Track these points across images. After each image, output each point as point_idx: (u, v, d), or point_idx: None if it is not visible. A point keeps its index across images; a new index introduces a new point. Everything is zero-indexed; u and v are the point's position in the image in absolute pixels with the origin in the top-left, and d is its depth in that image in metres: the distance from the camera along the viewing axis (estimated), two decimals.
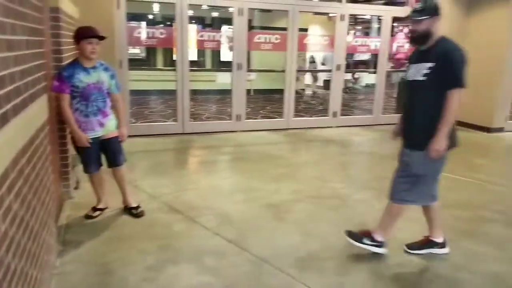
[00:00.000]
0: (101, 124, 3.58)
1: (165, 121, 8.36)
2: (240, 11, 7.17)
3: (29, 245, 2.08)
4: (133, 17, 11.56)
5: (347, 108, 10.46)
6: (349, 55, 11.66)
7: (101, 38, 3.46)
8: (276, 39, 7.74)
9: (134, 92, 8.51)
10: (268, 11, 10.81)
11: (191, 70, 7.26)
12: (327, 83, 10.32)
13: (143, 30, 7.40)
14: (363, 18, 16.25)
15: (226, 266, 3.00)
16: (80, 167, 4.32)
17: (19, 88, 1.99)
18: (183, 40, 6.94)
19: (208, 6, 9.75)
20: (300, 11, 7.70)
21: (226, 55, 11.33)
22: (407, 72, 3.08)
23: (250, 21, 8.29)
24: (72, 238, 3.36)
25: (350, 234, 3.24)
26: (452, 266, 3.09)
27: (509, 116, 8.40)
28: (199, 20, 13.37)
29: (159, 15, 13.36)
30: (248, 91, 9.08)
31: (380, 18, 8.64)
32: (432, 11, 2.86)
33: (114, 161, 3.73)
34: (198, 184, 4.76)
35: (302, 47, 8.12)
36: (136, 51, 12.86)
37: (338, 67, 8.15)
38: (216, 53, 13.44)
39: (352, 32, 12.83)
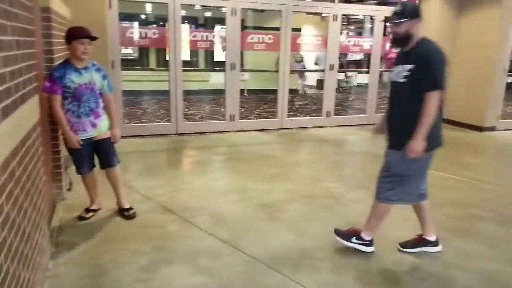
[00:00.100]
0: (93, 125, 3.56)
1: (159, 122, 8.33)
2: (233, 11, 7.17)
3: (21, 247, 2.06)
4: (126, 17, 11.52)
5: (341, 107, 10.49)
6: (342, 55, 11.71)
7: (93, 38, 3.44)
8: (269, 39, 7.75)
9: (127, 93, 8.48)
10: (261, 11, 10.80)
11: (184, 70, 7.25)
12: (320, 83, 10.35)
13: (135, 30, 7.37)
14: (356, 18, 16.33)
15: (220, 267, 2.99)
16: (72, 168, 4.29)
17: (10, 89, 1.97)
18: (176, 40, 6.92)
19: (201, 6, 9.73)
20: (293, 11, 7.71)
21: (219, 55, 11.33)
22: (392, 73, 3.11)
23: (243, 21, 8.29)
24: (65, 239, 3.34)
25: (339, 233, 3.28)
26: (445, 264, 3.10)
27: (501, 115, 8.48)
28: (192, 20, 13.34)
29: (152, 15, 13.32)
30: (242, 91, 9.08)
31: (372, 18, 8.68)
32: (412, 14, 2.89)
33: (107, 162, 3.71)
34: (192, 185, 4.75)
35: (295, 47, 8.13)
36: (129, 51, 12.80)
37: (331, 67, 8.17)
38: (209, 53, 13.43)
39: (345, 32, 12.88)
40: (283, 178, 5.06)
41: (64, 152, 4.11)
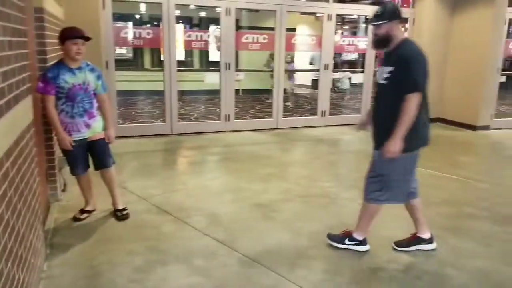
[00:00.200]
0: (87, 125, 3.54)
1: (154, 122, 8.31)
2: (227, 11, 7.16)
3: (16, 249, 2.05)
4: (120, 17, 11.47)
5: (336, 107, 10.52)
6: (337, 54, 11.73)
7: (87, 38, 3.43)
8: (264, 39, 7.75)
9: (121, 93, 8.46)
10: (256, 11, 10.81)
11: (179, 70, 7.24)
12: (315, 83, 10.37)
13: (129, 30, 7.35)
14: (350, 18, 16.37)
15: (216, 267, 2.99)
16: (67, 169, 4.27)
17: (3, 89, 1.96)
18: (171, 40, 6.91)
19: (196, 6, 9.71)
20: (288, 11, 7.71)
21: (214, 55, 11.31)
22: (377, 74, 3.13)
23: (237, 21, 8.29)
24: (59, 241, 3.32)
25: (331, 237, 3.30)
26: (439, 263, 3.11)
27: (494, 114, 8.53)
28: (187, 20, 13.32)
29: (146, 15, 13.28)
30: (237, 91, 9.07)
31: (367, 18, 8.70)
32: (391, 15, 2.91)
33: (102, 163, 3.69)
34: (187, 185, 4.74)
35: (290, 47, 8.14)
36: (123, 52, 12.75)
37: (326, 67, 8.19)
38: (204, 53, 13.41)
39: (339, 32, 12.90)
40: (278, 178, 5.06)
41: (58, 153, 4.10)
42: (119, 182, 4.18)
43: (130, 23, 10.26)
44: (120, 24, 9.69)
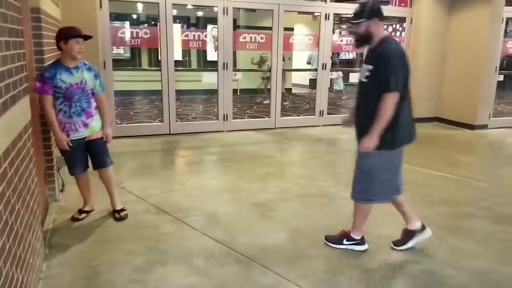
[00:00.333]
0: (85, 125, 3.53)
1: (151, 122, 8.30)
2: (224, 10, 7.16)
3: (15, 249, 2.05)
4: (117, 17, 11.46)
5: (334, 106, 10.53)
6: (335, 53, 11.73)
7: (87, 37, 3.45)
8: (262, 38, 7.75)
9: (119, 93, 8.45)
10: (253, 10, 10.80)
11: (177, 70, 7.23)
12: (313, 82, 10.36)
13: (127, 30, 7.34)
14: (348, 17, 16.37)
15: (215, 266, 2.99)
16: (65, 169, 4.26)
17: (0, 90, 1.96)
18: (168, 39, 6.90)
19: (193, 5, 9.70)
20: (285, 11, 7.71)
21: (212, 54, 11.31)
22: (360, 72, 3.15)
23: (235, 20, 8.29)
24: (58, 241, 3.31)
25: (329, 239, 3.31)
26: (438, 262, 3.11)
27: (492, 113, 8.53)
28: (184, 20, 13.30)
29: (143, 15, 13.26)
30: (235, 90, 9.07)
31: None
32: (370, 14, 2.91)
33: (100, 163, 3.68)
34: (185, 185, 4.74)
35: (287, 47, 8.14)
36: (120, 51, 12.73)
37: (324, 66, 8.19)
38: (201, 52, 13.40)
39: (337, 31, 12.89)
40: (276, 177, 5.06)
41: (56, 153, 4.09)
42: (117, 182, 4.18)
43: (127, 23, 10.24)
44: (117, 24, 9.68)
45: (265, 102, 11.24)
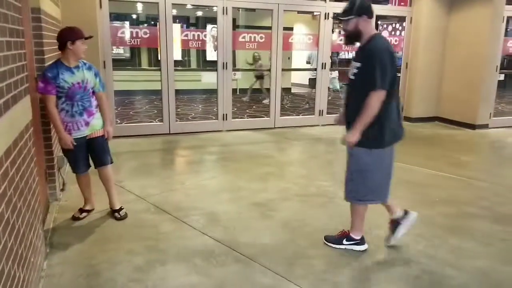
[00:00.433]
0: (87, 124, 3.56)
1: (151, 122, 8.31)
2: (224, 10, 7.17)
3: (16, 247, 2.06)
4: (116, 17, 11.46)
5: (334, 106, 10.52)
6: (334, 53, 11.73)
7: (89, 37, 3.52)
8: (261, 38, 7.76)
9: (118, 93, 8.46)
10: (253, 10, 10.81)
11: (176, 70, 7.24)
12: (312, 82, 10.36)
13: (126, 30, 7.34)
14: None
15: (215, 266, 3.00)
16: (65, 168, 4.28)
17: (2, 89, 1.97)
18: (168, 39, 6.91)
19: (192, 5, 9.71)
20: (285, 10, 7.72)
21: (211, 54, 11.31)
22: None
23: (234, 20, 8.29)
24: (59, 240, 3.33)
25: (329, 240, 3.32)
26: (439, 262, 3.11)
27: (493, 113, 8.51)
28: (183, 20, 13.31)
29: (143, 15, 13.27)
30: (234, 90, 9.08)
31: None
32: (359, 11, 2.92)
33: (100, 161, 3.70)
34: (185, 184, 4.75)
35: (287, 46, 8.15)
36: (120, 51, 12.74)
37: (324, 66, 8.20)
38: (201, 52, 13.41)
39: (337, 30, 12.88)
40: (276, 177, 5.07)
41: (57, 152, 4.10)
42: (117, 181, 4.19)
43: (127, 23, 10.25)
44: (117, 24, 9.68)
45: (244, 99, 11.29)
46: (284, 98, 11.30)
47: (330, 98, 8.66)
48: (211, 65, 8.88)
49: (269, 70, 7.95)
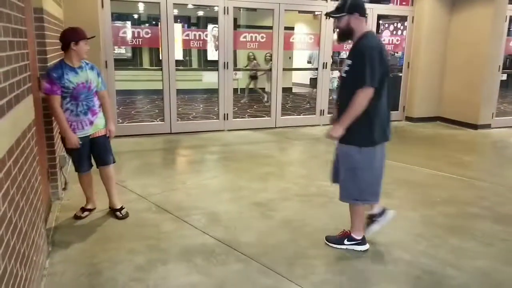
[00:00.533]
0: (91, 123, 3.58)
1: (153, 121, 8.33)
2: (225, 9, 7.18)
3: (19, 246, 2.07)
4: (118, 17, 11.47)
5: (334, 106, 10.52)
6: (335, 53, 11.72)
7: (92, 38, 3.58)
8: (262, 38, 7.77)
9: (120, 92, 8.47)
10: (254, 9, 10.82)
11: (177, 70, 7.25)
12: (313, 81, 10.37)
13: (128, 30, 7.36)
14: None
15: (215, 265, 3.01)
16: (67, 168, 4.30)
17: (5, 89, 1.99)
18: (169, 39, 6.93)
19: (193, 5, 9.73)
20: (286, 10, 7.72)
21: (212, 54, 11.32)
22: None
23: (235, 20, 8.30)
24: (61, 238, 3.34)
25: (330, 240, 3.32)
26: (440, 263, 3.11)
27: (495, 113, 8.48)
28: (185, 19, 13.33)
29: (144, 15, 13.29)
30: (235, 90, 9.08)
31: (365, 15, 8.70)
32: (350, 8, 2.93)
33: (103, 160, 3.72)
34: (186, 184, 4.76)
35: (288, 46, 8.15)
36: (122, 51, 12.76)
37: (325, 65, 8.21)
38: (202, 52, 13.42)
39: (337, 30, 12.86)
40: (276, 177, 5.08)
41: (59, 151, 4.12)
42: (118, 181, 4.20)
43: (129, 23, 10.26)
44: (118, 23, 9.69)
45: (242, 101, 11.28)
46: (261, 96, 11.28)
47: (331, 98, 8.64)
48: (212, 65, 8.90)
49: (270, 70, 7.95)
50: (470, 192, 4.71)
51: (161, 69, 7.05)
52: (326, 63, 8.21)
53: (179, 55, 10.23)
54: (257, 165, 5.50)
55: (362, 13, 2.96)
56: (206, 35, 8.24)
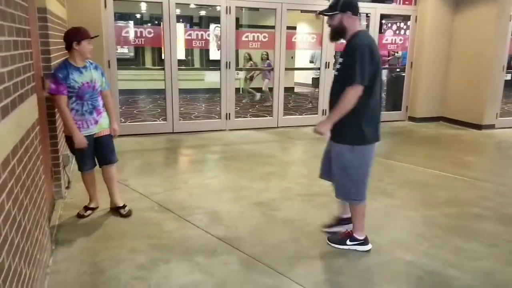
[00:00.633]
0: (96, 122, 3.61)
1: (155, 121, 8.35)
2: (227, 9, 7.19)
3: (22, 244, 2.09)
4: (121, 16, 11.50)
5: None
6: (338, 52, 11.70)
7: (95, 37, 3.58)
8: (264, 37, 7.77)
9: (123, 92, 8.49)
10: (256, 9, 10.82)
11: (180, 69, 7.26)
12: (316, 81, 10.38)
13: (131, 30, 7.38)
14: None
15: (217, 264, 3.02)
16: (70, 167, 4.32)
17: (9, 88, 2.00)
18: (171, 39, 6.94)
19: (196, 5, 9.73)
20: (288, 9, 7.73)
21: (215, 53, 11.32)
22: None
23: (238, 19, 8.31)
24: (64, 237, 3.36)
25: (332, 240, 3.32)
26: (442, 263, 3.10)
27: (499, 113, 8.42)
28: (187, 19, 13.35)
29: (147, 15, 13.32)
30: (237, 89, 9.09)
31: (368, 15, 8.71)
32: (343, 7, 2.94)
33: (106, 159, 3.74)
34: (188, 183, 4.77)
35: (290, 45, 8.16)
36: (124, 51, 12.79)
37: (327, 65, 8.20)
38: (204, 52, 13.43)
39: None
40: (278, 176, 5.09)
41: (62, 150, 4.14)
42: (121, 180, 4.22)
43: (131, 23, 10.28)
44: (121, 23, 9.72)
45: (244, 101, 11.29)
46: (266, 98, 11.25)
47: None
48: (214, 65, 8.90)
49: (272, 69, 7.95)
50: (473, 192, 4.69)
51: (164, 69, 7.07)
52: (329, 62, 8.21)
53: (181, 54, 10.22)
54: (259, 165, 5.51)
55: (355, 11, 2.97)
56: (208, 35, 8.24)
